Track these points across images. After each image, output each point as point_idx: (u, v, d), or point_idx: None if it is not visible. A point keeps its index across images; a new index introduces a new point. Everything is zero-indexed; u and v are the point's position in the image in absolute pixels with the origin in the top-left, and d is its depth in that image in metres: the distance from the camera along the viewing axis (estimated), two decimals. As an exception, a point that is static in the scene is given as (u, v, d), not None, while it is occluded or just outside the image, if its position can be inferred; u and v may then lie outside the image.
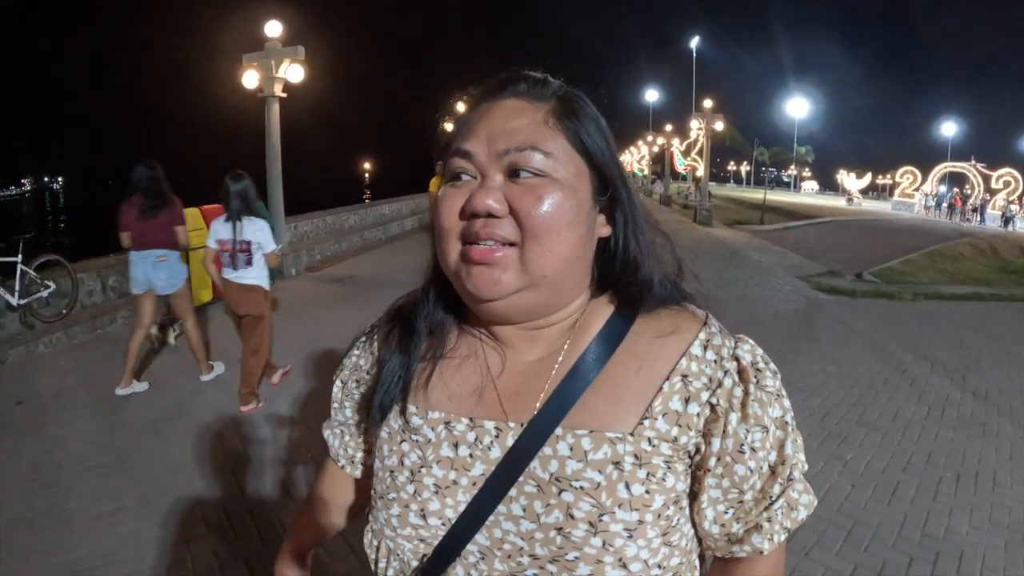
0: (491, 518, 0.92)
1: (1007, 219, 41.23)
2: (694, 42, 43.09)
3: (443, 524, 0.96)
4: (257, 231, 5.93)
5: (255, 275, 6.02)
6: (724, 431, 0.93)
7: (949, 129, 74.06)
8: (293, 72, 12.32)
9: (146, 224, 6.26)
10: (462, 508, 0.94)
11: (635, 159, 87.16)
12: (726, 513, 0.96)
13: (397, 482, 1.00)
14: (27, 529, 4.17)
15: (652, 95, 69.00)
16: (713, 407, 0.93)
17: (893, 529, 4.44)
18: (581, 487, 0.89)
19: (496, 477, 0.93)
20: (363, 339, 1.18)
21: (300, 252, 13.51)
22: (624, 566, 0.88)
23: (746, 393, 0.94)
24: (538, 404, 0.95)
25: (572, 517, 0.89)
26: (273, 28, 12.23)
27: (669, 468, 0.92)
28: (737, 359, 0.97)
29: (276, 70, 12.23)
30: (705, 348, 0.96)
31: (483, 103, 0.97)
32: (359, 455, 1.22)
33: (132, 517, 4.31)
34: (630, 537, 0.88)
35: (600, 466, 0.90)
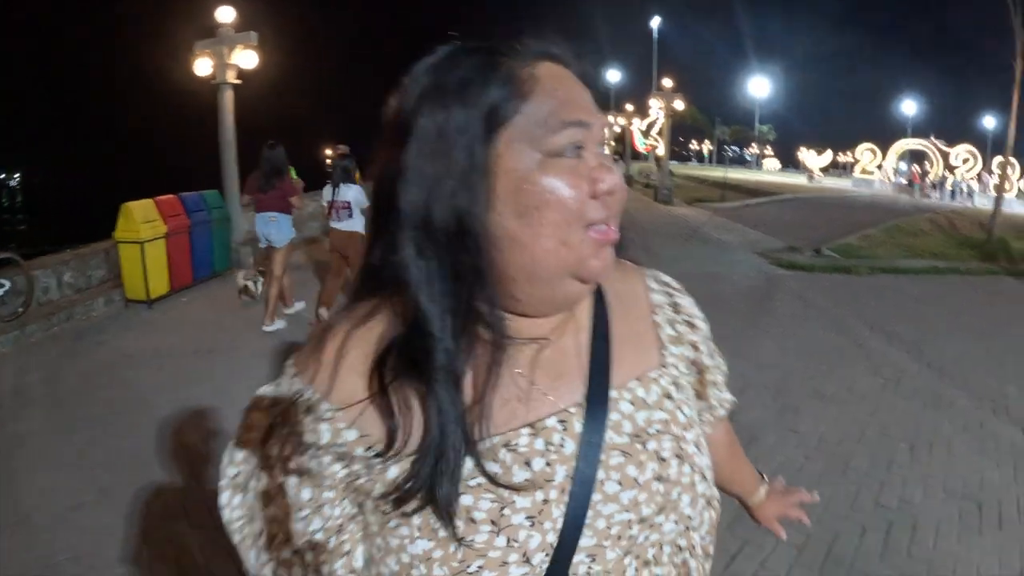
0: (589, 514, 0.87)
1: (952, 192, 42.20)
2: (655, 21, 43.05)
3: (547, 554, 0.84)
4: (354, 193, 8.02)
5: (354, 224, 7.97)
6: (697, 333, 1.10)
7: (909, 107, 74.97)
8: (246, 58, 12.10)
9: (264, 194, 8.05)
10: (561, 524, 0.85)
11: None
12: (721, 392, 1.20)
13: (476, 545, 0.82)
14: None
15: (613, 75, 68.81)
16: (685, 322, 1.09)
17: (846, 500, 4.48)
18: (657, 430, 0.94)
19: (582, 469, 0.87)
20: (307, 415, 0.87)
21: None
22: (704, 478, 0.97)
23: (684, 302, 1.12)
24: (583, 378, 0.94)
25: (663, 459, 0.92)
26: (225, 14, 12.00)
27: (690, 383, 1.07)
28: (667, 282, 1.14)
29: (229, 57, 12.01)
30: (654, 280, 1.12)
31: (540, 64, 0.87)
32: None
33: (95, 511, 4.22)
34: (699, 451, 0.98)
35: (659, 404, 0.96)
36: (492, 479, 0.83)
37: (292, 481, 0.87)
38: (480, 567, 0.82)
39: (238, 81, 12.29)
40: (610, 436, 0.90)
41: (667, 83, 31.99)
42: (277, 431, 0.89)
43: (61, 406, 5.94)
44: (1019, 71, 19.86)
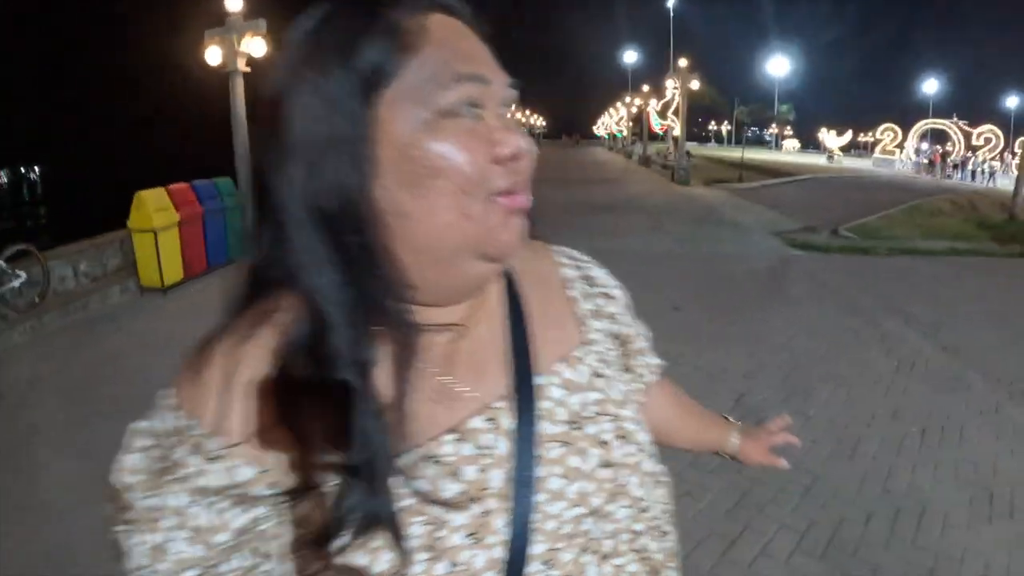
0: (536, 517, 0.78)
1: (973, 173, 41.88)
2: (671, 1, 42.85)
3: (497, 572, 0.75)
4: None
5: None
6: (614, 304, 1.02)
7: (931, 87, 74.63)
8: (255, 46, 12.17)
9: None
10: (506, 535, 0.76)
11: (614, 121, 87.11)
12: (647, 358, 1.11)
13: None
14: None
15: (631, 56, 68.72)
16: (602, 294, 1.01)
17: (853, 485, 4.39)
18: (594, 412, 0.86)
19: (520, 470, 0.78)
20: (193, 455, 0.71)
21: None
22: (650, 455, 0.92)
23: (596, 274, 1.04)
24: (505, 368, 0.84)
25: (605, 443, 0.85)
26: (234, 2, 12.12)
27: (616, 356, 0.99)
28: (575, 256, 1.05)
29: (238, 45, 12.11)
30: (562, 256, 1.03)
31: (432, 15, 0.75)
32: None
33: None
34: (640, 427, 0.91)
35: (591, 384, 0.89)
36: (424, 497, 0.72)
37: (180, 537, 0.71)
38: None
39: (248, 69, 12.38)
40: (545, 427, 0.81)
41: (683, 63, 31.72)
42: (154, 479, 0.71)
43: (75, 396, 5.92)
44: None
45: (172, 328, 7.55)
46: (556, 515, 0.79)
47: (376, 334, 0.71)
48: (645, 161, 43.85)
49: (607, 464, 0.84)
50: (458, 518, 0.73)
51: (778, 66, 79.12)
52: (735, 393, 5.72)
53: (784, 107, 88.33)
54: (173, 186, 9.79)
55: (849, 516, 4.03)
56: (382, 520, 0.69)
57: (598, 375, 0.91)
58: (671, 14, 41.64)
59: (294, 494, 0.72)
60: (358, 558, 0.70)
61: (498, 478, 0.76)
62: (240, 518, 0.71)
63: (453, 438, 0.77)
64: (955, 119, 55.62)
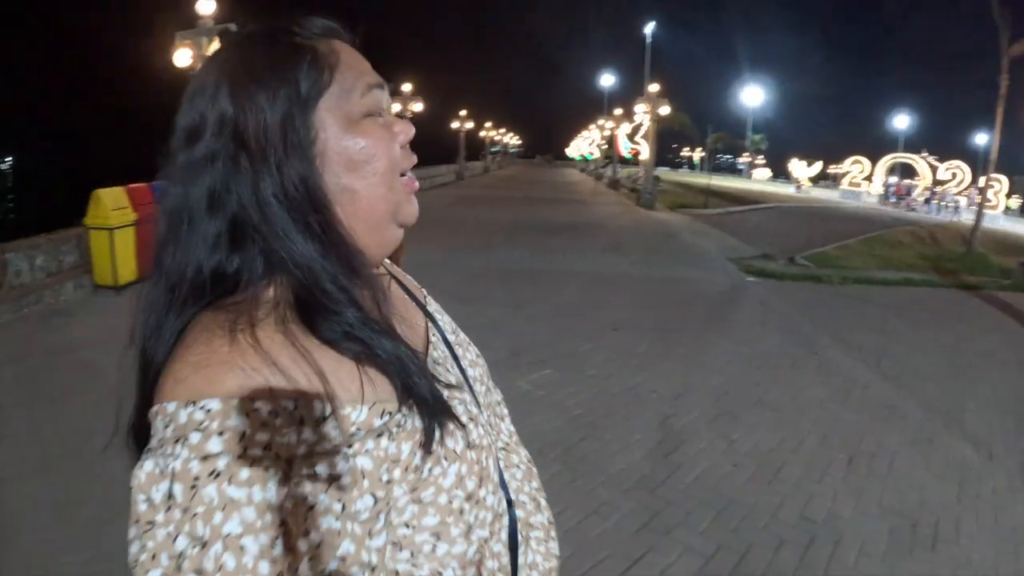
0: (480, 390, 1.15)
1: (939, 207, 42.89)
2: (648, 28, 43.36)
3: (485, 430, 1.03)
4: None
5: None
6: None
7: (902, 122, 75.98)
8: None
9: None
10: (479, 400, 1.10)
11: (586, 143, 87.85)
12: None
13: (475, 441, 0.98)
14: None
15: (607, 80, 69.41)
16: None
17: (769, 510, 4.32)
18: (476, 356, 1.21)
19: (460, 365, 1.12)
20: (296, 425, 0.78)
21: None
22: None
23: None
24: (411, 303, 1.16)
25: (489, 376, 1.24)
26: (206, 5, 12.36)
27: None
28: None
29: (208, 48, 12.26)
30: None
31: (331, 40, 0.97)
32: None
33: (36, 483, 4.22)
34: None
35: (454, 329, 1.22)
36: (447, 386, 0.99)
37: (364, 491, 0.82)
38: (486, 459, 0.99)
39: None
40: (449, 337, 1.16)
41: (653, 88, 32.04)
42: (307, 460, 0.77)
43: (22, 384, 5.99)
44: (1004, 87, 20.11)
45: (122, 325, 7.43)
46: (482, 386, 1.18)
47: (357, 288, 0.89)
48: (614, 184, 44.08)
49: (478, 355, 1.22)
50: (464, 396, 1.02)
51: (752, 96, 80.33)
52: (661, 415, 5.64)
53: (757, 136, 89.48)
54: (132, 185, 9.89)
55: (760, 542, 3.96)
56: (446, 407, 0.93)
57: (459, 329, 1.25)
58: (648, 41, 42.01)
59: (400, 409, 0.87)
60: (449, 443, 0.92)
61: (456, 370, 1.09)
62: (367, 460, 0.83)
63: (432, 348, 1.08)
64: (924, 154, 56.55)
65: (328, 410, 0.79)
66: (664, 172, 63.12)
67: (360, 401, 0.83)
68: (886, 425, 5.93)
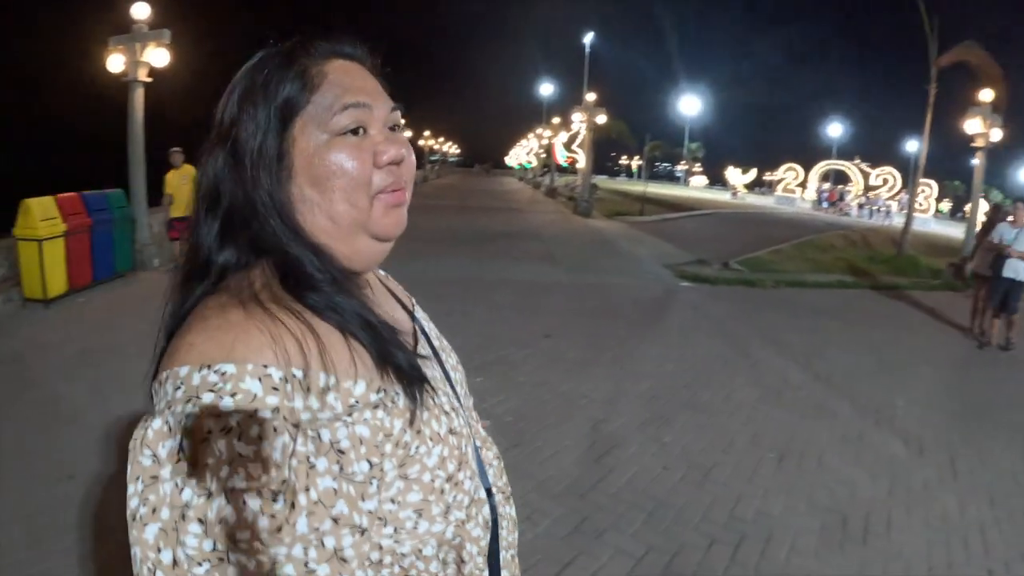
0: (460, 392, 1.21)
1: (870, 211, 44.48)
2: (587, 38, 43.83)
3: (455, 406, 1.10)
4: None
5: None
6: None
7: (835, 129, 77.80)
8: (158, 56, 12.14)
9: None
10: (458, 399, 1.15)
11: (525, 152, 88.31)
12: None
13: (447, 409, 1.05)
14: None
15: (546, 88, 69.84)
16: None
17: (699, 511, 4.34)
18: (456, 363, 1.28)
19: (442, 367, 1.18)
20: (308, 395, 0.86)
21: (165, 242, 12.84)
22: None
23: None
24: (395, 304, 1.23)
25: (466, 382, 1.31)
26: (140, 10, 12.03)
27: None
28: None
29: (141, 54, 12.03)
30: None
31: (331, 61, 1.02)
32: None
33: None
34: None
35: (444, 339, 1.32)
36: (433, 379, 1.05)
37: (361, 456, 0.89)
38: (465, 446, 1.05)
39: (149, 79, 12.34)
40: (433, 341, 1.24)
41: (590, 97, 32.32)
42: (313, 423, 0.85)
43: None
44: (932, 96, 20.87)
45: (49, 339, 7.42)
46: (462, 388, 1.23)
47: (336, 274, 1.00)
48: (551, 192, 44.31)
49: (458, 362, 1.29)
50: (448, 389, 1.11)
51: (689, 105, 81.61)
52: (592, 420, 5.64)
53: (694, 145, 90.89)
54: (62, 196, 9.60)
55: (690, 542, 3.97)
56: (422, 376, 1.00)
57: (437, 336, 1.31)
58: (587, 50, 42.42)
59: (388, 391, 0.94)
60: (434, 425, 0.99)
61: (439, 369, 1.15)
62: (379, 419, 0.92)
63: (420, 346, 1.15)
64: (857, 161, 57.98)
65: (332, 381, 0.87)
66: (602, 180, 63.71)
67: (355, 376, 0.91)
68: (817, 423, 6.03)
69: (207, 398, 0.79)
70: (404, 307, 1.25)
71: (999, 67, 19.73)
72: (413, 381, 0.97)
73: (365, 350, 0.94)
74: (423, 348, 1.16)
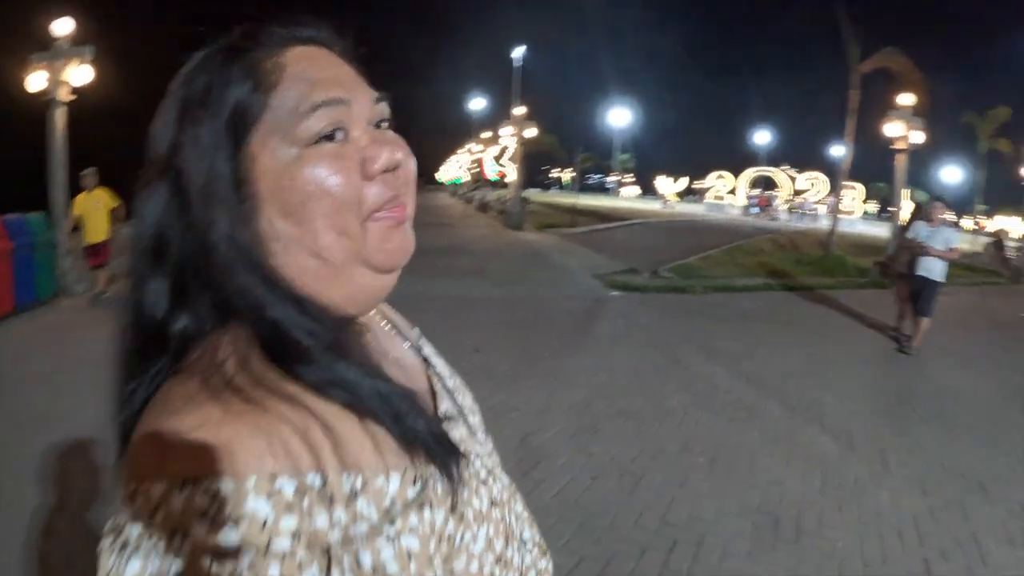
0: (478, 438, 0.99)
1: (799, 215, 45.18)
2: (517, 52, 44.23)
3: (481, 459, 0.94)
4: None
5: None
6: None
7: (763, 137, 79.67)
8: (81, 74, 11.84)
9: None
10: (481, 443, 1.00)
11: (456, 167, 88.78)
12: None
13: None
14: None
15: (477, 103, 70.25)
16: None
17: (630, 519, 4.33)
18: (472, 402, 1.10)
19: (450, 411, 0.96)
20: (325, 503, 0.66)
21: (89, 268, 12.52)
22: None
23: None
24: (401, 345, 1.01)
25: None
26: (62, 26, 11.71)
27: None
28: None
29: (63, 72, 11.72)
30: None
31: (288, 50, 0.81)
32: None
33: None
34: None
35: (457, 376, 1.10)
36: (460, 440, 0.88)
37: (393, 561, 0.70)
38: (508, 514, 0.90)
39: (72, 97, 12.02)
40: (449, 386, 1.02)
41: (518, 111, 32.59)
42: (348, 545, 0.66)
43: None
44: (854, 101, 21.99)
45: None
46: (484, 435, 1.05)
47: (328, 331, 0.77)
48: (483, 207, 44.41)
49: (474, 400, 1.11)
50: (480, 449, 0.94)
51: (619, 117, 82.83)
52: (521, 432, 5.61)
53: (624, 156, 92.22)
54: None
55: (622, 551, 3.96)
56: (453, 449, 0.80)
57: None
58: (517, 64, 42.79)
59: (427, 478, 0.76)
60: (475, 503, 0.83)
61: (463, 425, 0.95)
62: (426, 521, 0.74)
63: (439, 400, 0.94)
64: (785, 166, 59.36)
65: (359, 483, 0.69)
66: (534, 193, 64.23)
67: (384, 469, 0.72)
68: (747, 426, 6.10)
69: (199, 530, 0.60)
70: (409, 340, 1.03)
71: (919, 72, 20.68)
72: (448, 460, 0.78)
73: (386, 431, 0.74)
74: (444, 403, 0.94)
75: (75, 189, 11.27)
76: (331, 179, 0.76)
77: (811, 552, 4.12)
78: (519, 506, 0.99)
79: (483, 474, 0.88)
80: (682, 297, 12.97)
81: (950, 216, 9.56)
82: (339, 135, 0.78)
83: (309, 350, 0.73)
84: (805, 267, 18.03)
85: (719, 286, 14.04)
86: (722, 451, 5.48)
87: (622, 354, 8.47)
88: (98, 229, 10.51)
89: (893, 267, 10.37)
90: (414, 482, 0.73)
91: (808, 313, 11.82)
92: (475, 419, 1.03)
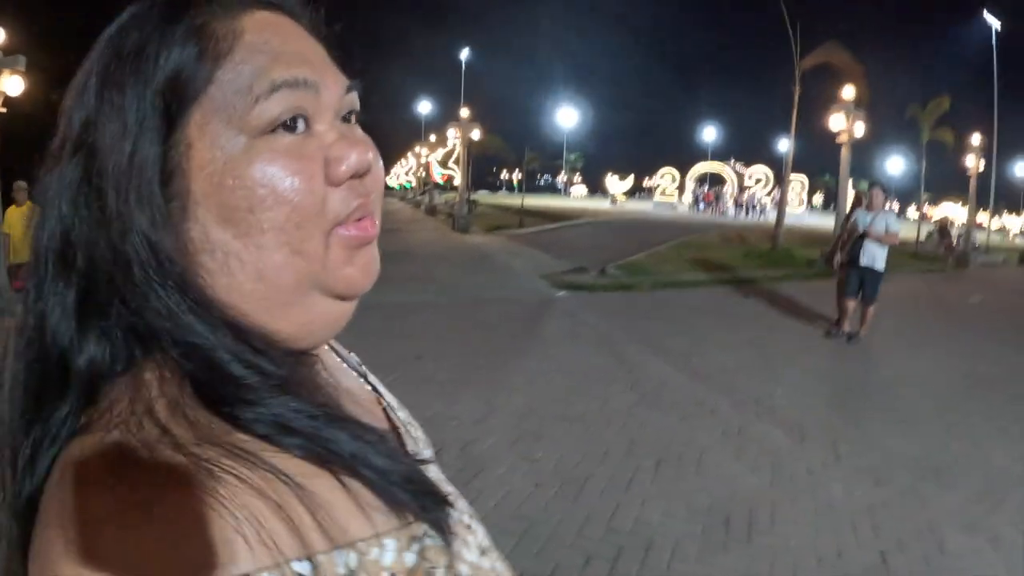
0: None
1: (746, 209, 46.34)
2: (463, 53, 44.38)
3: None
4: None
5: None
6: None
7: (710, 134, 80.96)
8: (13, 84, 12.04)
9: None
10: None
11: (404, 171, 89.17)
12: None
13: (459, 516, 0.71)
14: None
15: (425, 107, 70.53)
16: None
17: (574, 527, 4.18)
18: (425, 437, 0.90)
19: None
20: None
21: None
22: None
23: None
24: (356, 379, 0.86)
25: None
26: None
27: None
28: None
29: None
30: None
31: (247, 14, 0.63)
32: None
33: None
34: None
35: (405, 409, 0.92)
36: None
37: None
38: (496, 562, 0.74)
39: (3, 109, 12.24)
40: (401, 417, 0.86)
41: (464, 113, 32.84)
42: None
43: None
44: (796, 95, 22.72)
45: None
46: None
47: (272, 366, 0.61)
48: (431, 211, 44.46)
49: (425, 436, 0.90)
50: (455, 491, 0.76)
51: (566, 117, 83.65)
52: (461, 441, 5.43)
53: (573, 156, 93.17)
54: None
55: (566, 561, 3.82)
56: (441, 497, 0.66)
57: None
58: (463, 66, 42.97)
59: (421, 537, 0.62)
60: (466, 554, 0.68)
61: (434, 467, 0.77)
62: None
63: (405, 436, 0.81)
64: (732, 162, 60.21)
65: (354, 559, 0.55)
66: (483, 196, 64.63)
67: (375, 534, 0.58)
68: (696, 423, 6.00)
69: None
70: (352, 367, 0.89)
71: (860, 65, 21.31)
72: (439, 512, 0.65)
73: (367, 487, 0.60)
74: (409, 442, 0.81)
75: (7, 201, 10.92)
76: (288, 181, 0.61)
77: (763, 550, 4.02)
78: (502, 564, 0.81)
79: (466, 519, 0.73)
80: (629, 294, 12.94)
81: (890, 203, 9.61)
82: (300, 125, 0.63)
83: (256, 389, 0.58)
84: (754, 260, 18.21)
85: (667, 282, 14.09)
86: (670, 451, 5.36)
87: (567, 356, 8.35)
88: (28, 247, 10.12)
89: (837, 256, 10.34)
90: (409, 545, 0.60)
91: (756, 307, 11.83)
92: (419, 433, 0.87)
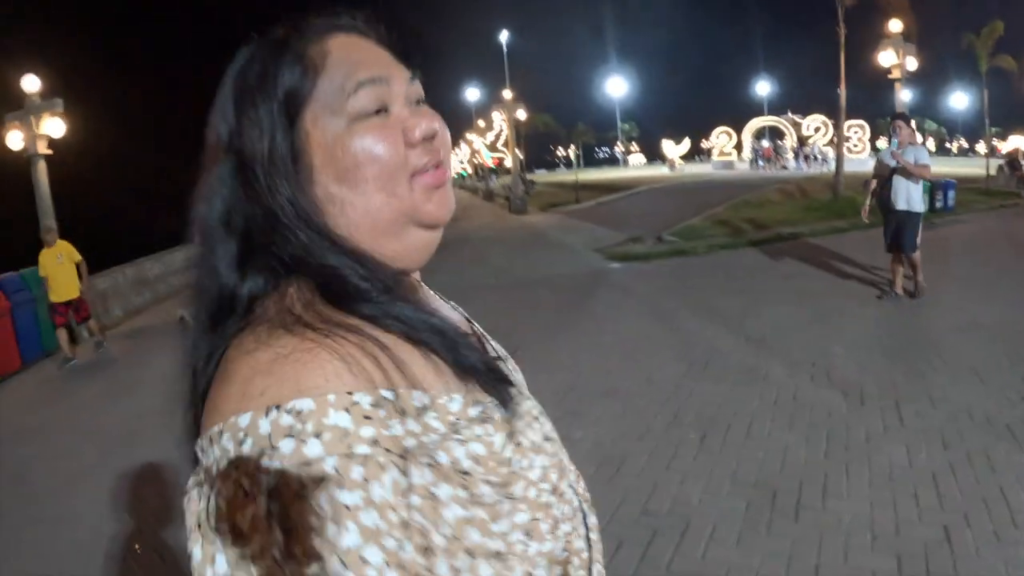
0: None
1: (807, 160, 46.00)
2: (503, 36, 44.32)
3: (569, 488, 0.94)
4: None
5: None
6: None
7: (764, 88, 79.43)
8: (54, 126, 12.42)
9: None
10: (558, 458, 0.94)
11: (458, 160, 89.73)
12: None
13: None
14: None
15: (473, 93, 70.72)
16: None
17: (608, 511, 4.00)
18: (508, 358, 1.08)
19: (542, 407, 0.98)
20: (399, 416, 0.71)
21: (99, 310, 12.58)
22: None
23: None
24: (445, 303, 1.08)
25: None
26: (31, 83, 12.35)
27: None
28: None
29: (38, 127, 12.38)
30: None
31: (329, 38, 0.89)
32: None
33: None
34: None
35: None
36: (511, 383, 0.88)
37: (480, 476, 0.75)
38: (560, 451, 0.93)
39: (49, 151, 12.67)
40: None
41: (507, 95, 32.77)
42: (423, 449, 0.71)
43: None
44: (842, 36, 22.25)
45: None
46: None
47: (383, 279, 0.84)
48: (489, 196, 44.34)
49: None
50: (528, 397, 0.94)
51: (616, 87, 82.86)
52: (496, 426, 5.27)
53: (627, 125, 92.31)
54: None
55: (597, 548, 3.60)
56: (504, 377, 0.85)
57: None
58: (504, 47, 42.91)
59: (486, 403, 0.81)
60: (530, 434, 0.84)
61: (511, 370, 0.99)
62: (489, 435, 0.78)
63: (488, 349, 1.01)
64: (788, 114, 59.01)
65: (427, 399, 0.74)
66: (540, 175, 64.31)
67: (447, 390, 0.77)
68: (746, 391, 5.72)
69: (286, 446, 0.65)
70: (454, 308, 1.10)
71: None
72: (503, 389, 0.84)
73: (443, 360, 0.80)
74: (489, 349, 1.01)
75: (68, 236, 11.01)
76: (378, 146, 0.85)
77: (810, 529, 3.75)
78: (567, 458, 1.01)
79: (535, 412, 0.91)
80: (684, 260, 12.69)
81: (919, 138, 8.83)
82: (382, 111, 0.87)
83: (368, 291, 0.81)
84: (814, 213, 17.71)
85: (723, 244, 13.76)
86: (717, 422, 5.12)
87: (614, 329, 8.19)
88: (67, 286, 10.04)
89: (867, 202, 9.49)
90: (474, 403, 0.78)
91: (815, 261, 11.36)
92: (519, 378, 1.03)
